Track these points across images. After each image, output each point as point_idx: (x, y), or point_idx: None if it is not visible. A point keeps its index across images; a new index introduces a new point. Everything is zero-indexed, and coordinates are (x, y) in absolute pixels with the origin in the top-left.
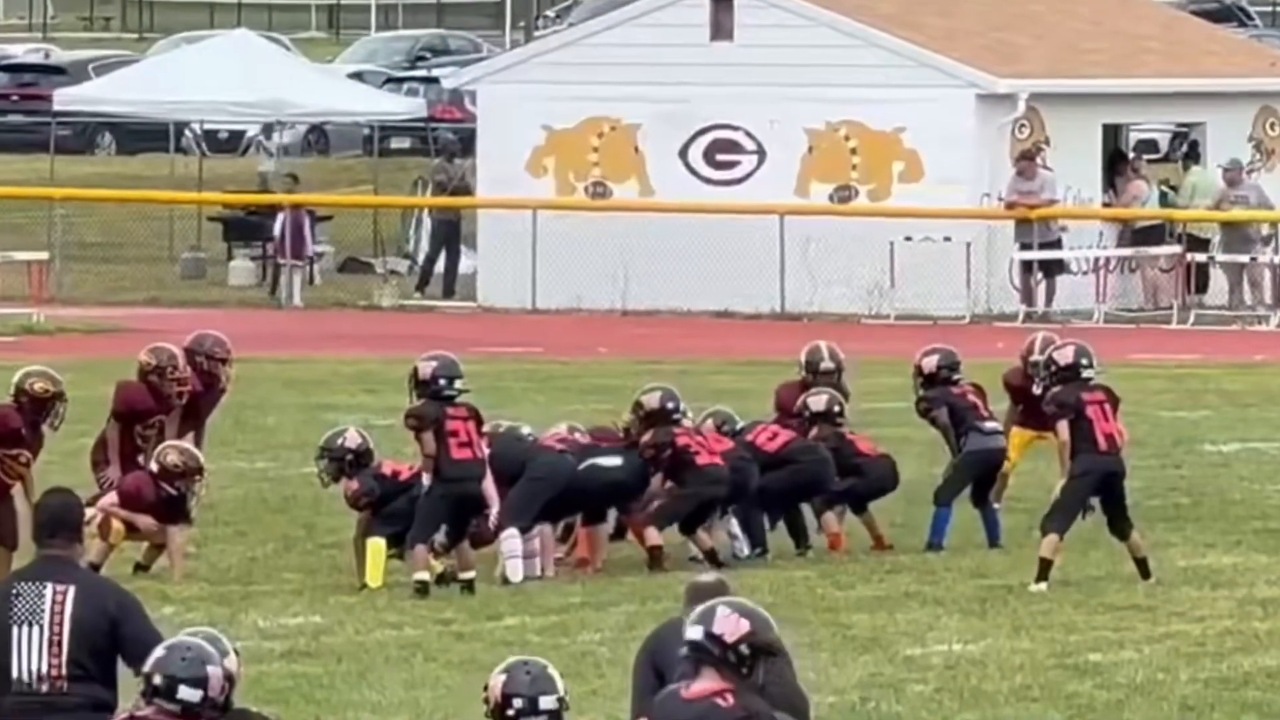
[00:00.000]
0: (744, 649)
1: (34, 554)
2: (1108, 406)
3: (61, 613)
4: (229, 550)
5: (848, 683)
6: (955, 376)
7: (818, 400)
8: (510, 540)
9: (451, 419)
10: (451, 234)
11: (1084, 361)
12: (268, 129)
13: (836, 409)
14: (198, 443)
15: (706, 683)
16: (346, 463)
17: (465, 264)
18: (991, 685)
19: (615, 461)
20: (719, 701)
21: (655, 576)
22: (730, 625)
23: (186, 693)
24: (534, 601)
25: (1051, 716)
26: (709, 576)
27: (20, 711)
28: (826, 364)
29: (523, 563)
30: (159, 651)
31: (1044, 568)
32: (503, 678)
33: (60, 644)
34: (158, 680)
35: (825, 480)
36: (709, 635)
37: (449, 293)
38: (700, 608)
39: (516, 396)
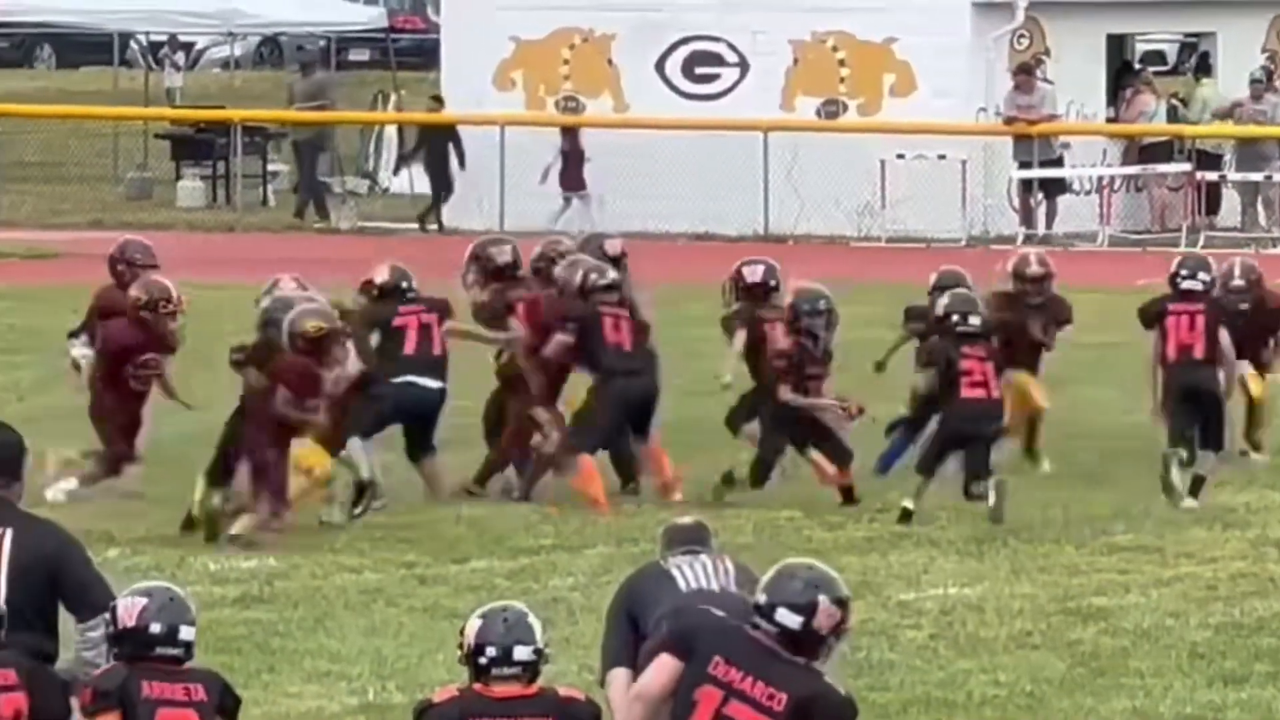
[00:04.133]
0: (831, 639)
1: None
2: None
3: None
4: (177, 490)
5: None
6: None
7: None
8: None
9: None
10: (310, 154)
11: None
12: (172, 41)
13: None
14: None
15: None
16: None
17: (428, 183)
18: (989, 631)
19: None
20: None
21: (632, 517)
22: (828, 619)
23: (187, 633)
24: (503, 543)
25: (1053, 664)
26: (687, 519)
27: None
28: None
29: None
30: (140, 600)
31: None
32: (478, 623)
33: None
34: (156, 629)
35: None
36: (807, 628)
37: (323, 215)
38: (793, 586)
39: None
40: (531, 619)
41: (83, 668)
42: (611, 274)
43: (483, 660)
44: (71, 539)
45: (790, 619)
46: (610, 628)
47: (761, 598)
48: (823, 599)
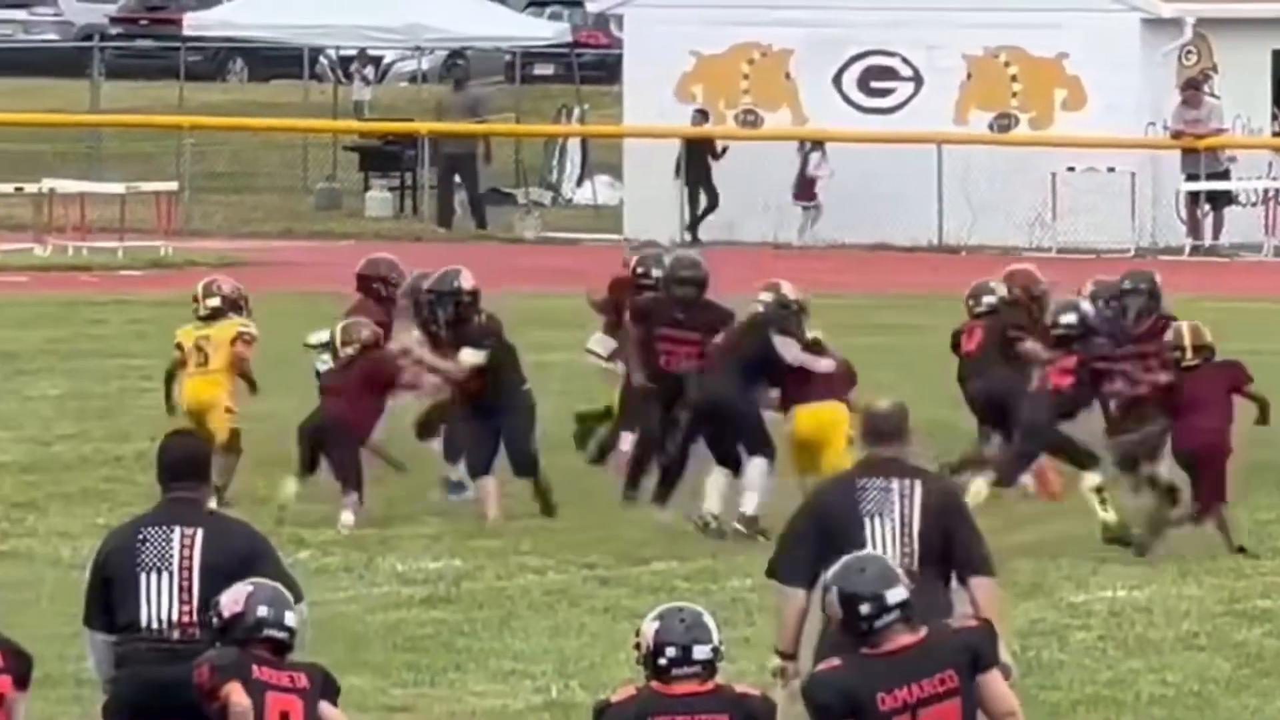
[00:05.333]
0: None
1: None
2: None
3: (190, 557)
4: (367, 492)
5: (1009, 629)
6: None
7: None
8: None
9: None
10: (457, 164)
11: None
12: (361, 55)
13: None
14: None
15: (905, 637)
16: None
17: (610, 194)
18: (1157, 633)
19: None
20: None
21: None
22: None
23: (291, 618)
24: (682, 547)
25: (1219, 665)
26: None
27: (151, 658)
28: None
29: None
30: (244, 589)
31: None
32: (656, 625)
33: (190, 589)
34: (263, 612)
35: None
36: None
37: (479, 225)
38: (870, 573)
39: None
40: (707, 618)
41: None
42: (988, 298)
43: (663, 661)
44: (262, 538)
45: (899, 594)
46: (797, 538)
47: (865, 606)
48: (891, 563)
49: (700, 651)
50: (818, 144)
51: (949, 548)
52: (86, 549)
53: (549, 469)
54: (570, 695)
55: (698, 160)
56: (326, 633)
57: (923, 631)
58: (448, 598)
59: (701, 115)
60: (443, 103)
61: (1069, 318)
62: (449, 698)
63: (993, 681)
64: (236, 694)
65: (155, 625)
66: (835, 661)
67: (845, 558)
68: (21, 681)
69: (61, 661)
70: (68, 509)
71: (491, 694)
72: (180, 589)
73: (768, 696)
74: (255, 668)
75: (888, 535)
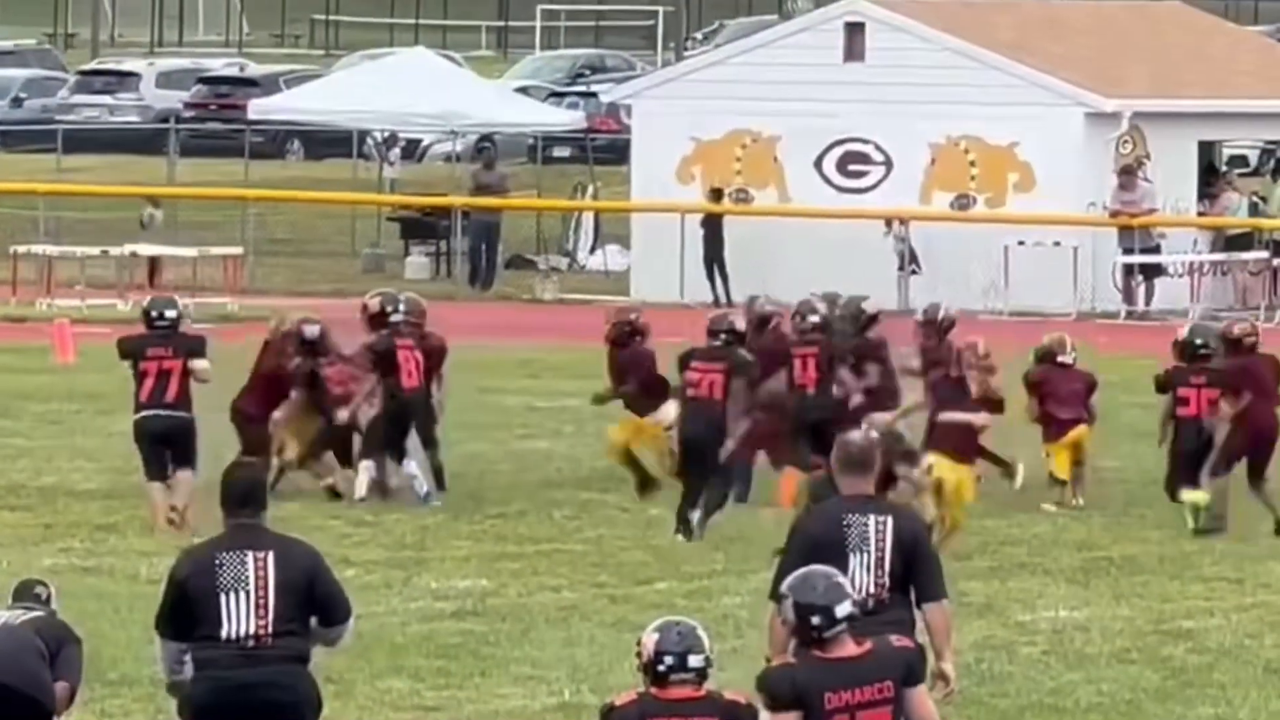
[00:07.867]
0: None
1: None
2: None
3: (265, 577)
4: (404, 519)
5: (964, 644)
6: None
7: None
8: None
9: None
10: (486, 231)
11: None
12: (391, 139)
13: None
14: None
15: (851, 648)
16: None
17: (620, 261)
18: (1094, 648)
19: None
20: (898, 643)
21: None
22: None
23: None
24: (681, 569)
25: (1148, 677)
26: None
27: (229, 663)
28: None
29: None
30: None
31: None
32: (655, 636)
33: (266, 605)
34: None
35: None
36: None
37: (486, 285)
38: (836, 585)
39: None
40: (700, 630)
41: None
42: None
43: (661, 668)
44: (320, 556)
45: (846, 608)
46: (793, 567)
47: (816, 617)
48: (841, 578)
49: (694, 660)
50: (888, 223)
51: (910, 576)
52: (161, 567)
53: (566, 501)
54: (581, 698)
55: (715, 234)
56: (369, 642)
57: (868, 644)
58: (475, 612)
59: (715, 194)
60: (476, 179)
61: None
62: (475, 699)
63: (919, 694)
64: None
65: (233, 638)
66: (791, 659)
67: (802, 571)
68: None
69: (137, 664)
70: (144, 531)
71: (513, 696)
72: (257, 605)
73: (752, 705)
74: None
75: (865, 566)
